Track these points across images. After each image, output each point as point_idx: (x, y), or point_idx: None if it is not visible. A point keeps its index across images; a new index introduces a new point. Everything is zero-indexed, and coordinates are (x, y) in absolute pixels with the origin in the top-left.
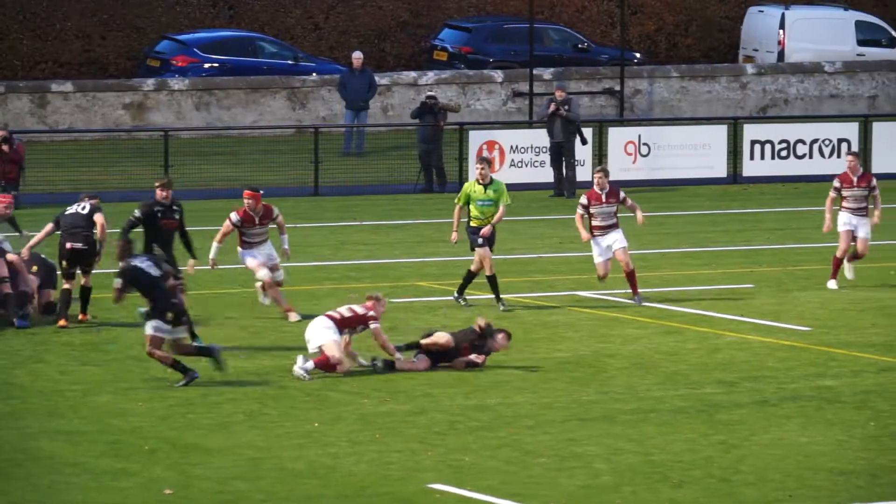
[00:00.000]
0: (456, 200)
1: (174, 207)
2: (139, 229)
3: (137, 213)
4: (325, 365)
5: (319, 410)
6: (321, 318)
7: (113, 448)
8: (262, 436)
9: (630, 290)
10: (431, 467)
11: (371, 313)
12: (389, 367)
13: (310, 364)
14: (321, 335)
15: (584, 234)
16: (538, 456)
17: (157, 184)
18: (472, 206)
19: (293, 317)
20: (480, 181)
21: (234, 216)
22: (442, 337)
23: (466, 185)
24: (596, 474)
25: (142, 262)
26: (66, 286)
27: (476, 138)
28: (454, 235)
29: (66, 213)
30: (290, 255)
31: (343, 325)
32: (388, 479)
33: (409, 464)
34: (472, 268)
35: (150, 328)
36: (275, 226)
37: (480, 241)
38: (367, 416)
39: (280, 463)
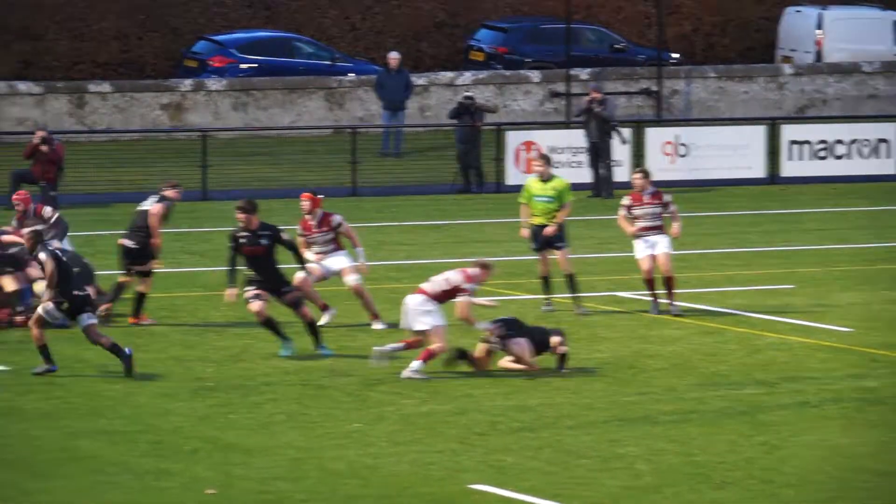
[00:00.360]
0: (520, 199)
1: (261, 232)
2: None
3: (229, 242)
4: (430, 357)
5: (360, 411)
6: (416, 297)
7: (154, 448)
8: (303, 436)
9: (667, 298)
10: (472, 468)
11: (466, 284)
12: (461, 356)
13: (392, 346)
14: (420, 320)
15: (631, 229)
16: (580, 457)
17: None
18: (531, 203)
19: (326, 318)
20: (538, 177)
21: (298, 227)
22: (526, 356)
23: (528, 180)
24: (638, 475)
25: (61, 252)
26: (120, 280)
27: (514, 139)
28: (524, 231)
29: (138, 208)
30: (361, 267)
31: (439, 299)
32: (430, 479)
33: (450, 464)
34: (565, 272)
35: (41, 309)
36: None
37: (534, 245)
38: (408, 416)
39: (321, 463)
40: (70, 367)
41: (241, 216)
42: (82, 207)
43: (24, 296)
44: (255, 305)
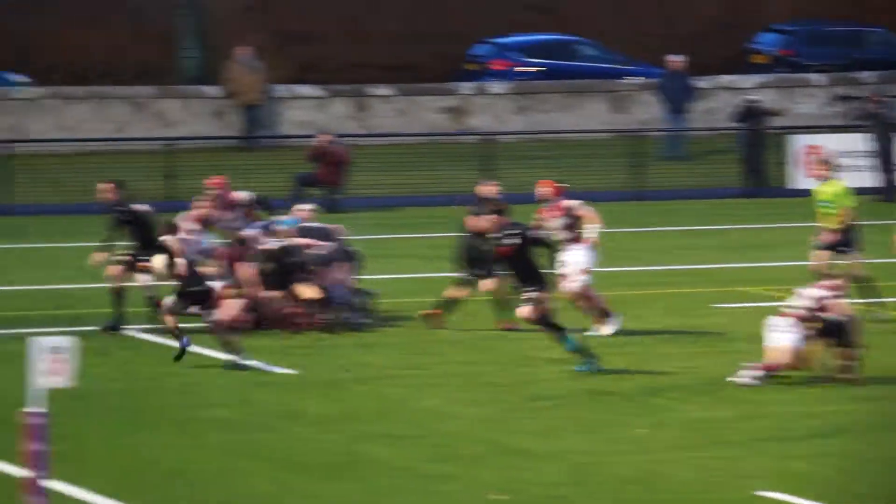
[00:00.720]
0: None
1: (508, 232)
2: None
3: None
4: (771, 369)
5: (643, 416)
6: (782, 319)
7: (438, 452)
8: (587, 441)
9: None
10: (758, 474)
11: (836, 292)
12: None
13: (757, 372)
14: (778, 337)
15: None
16: (872, 463)
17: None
18: (819, 209)
19: (604, 329)
20: (820, 182)
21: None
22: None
23: (815, 186)
24: None
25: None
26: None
27: (798, 142)
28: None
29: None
30: (593, 245)
31: (805, 318)
32: (715, 485)
33: (736, 470)
34: (856, 276)
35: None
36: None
37: (816, 245)
38: (692, 422)
39: (606, 468)
40: (354, 371)
41: (491, 217)
42: (365, 211)
43: (333, 299)
44: (523, 311)
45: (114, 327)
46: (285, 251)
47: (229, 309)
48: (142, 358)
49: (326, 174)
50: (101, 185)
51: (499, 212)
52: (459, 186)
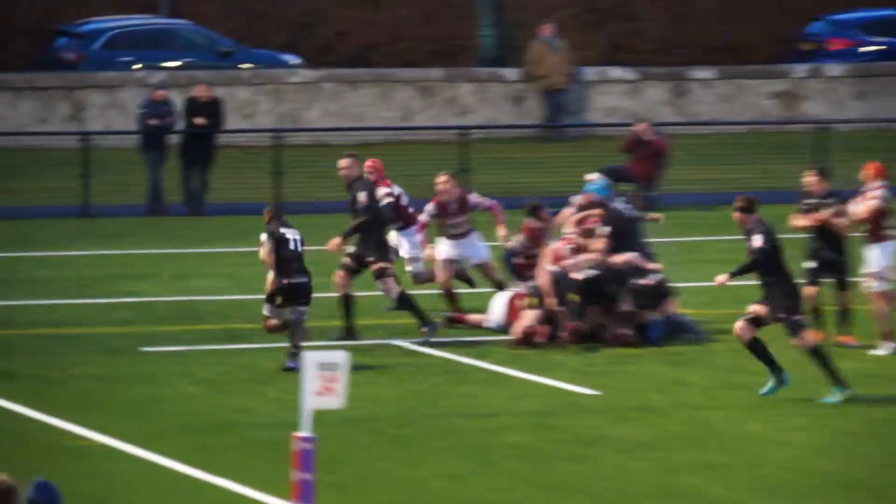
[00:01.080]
0: None
1: (747, 236)
2: None
3: None
4: None
5: None
6: None
7: (764, 484)
8: None
9: None
10: None
11: None
12: None
13: None
14: None
15: None
16: None
17: None
18: None
19: (883, 349)
20: None
21: None
22: None
23: None
24: None
25: (295, 234)
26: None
27: None
28: None
29: None
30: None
31: None
32: None
33: None
34: None
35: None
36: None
37: None
38: None
39: None
40: (669, 390)
41: (735, 216)
42: (682, 209)
43: (652, 328)
44: (737, 327)
45: (343, 337)
46: (599, 281)
47: (523, 320)
48: (421, 375)
49: (641, 167)
50: (341, 161)
51: (742, 209)
52: (789, 182)
